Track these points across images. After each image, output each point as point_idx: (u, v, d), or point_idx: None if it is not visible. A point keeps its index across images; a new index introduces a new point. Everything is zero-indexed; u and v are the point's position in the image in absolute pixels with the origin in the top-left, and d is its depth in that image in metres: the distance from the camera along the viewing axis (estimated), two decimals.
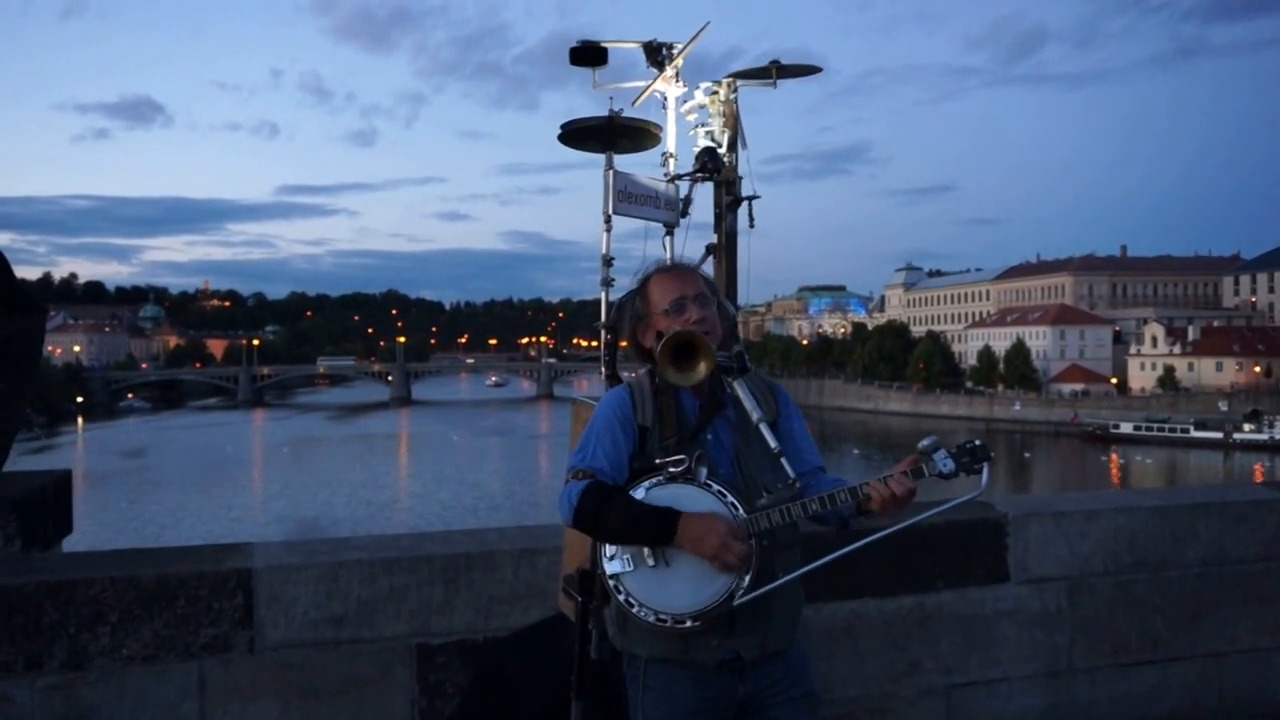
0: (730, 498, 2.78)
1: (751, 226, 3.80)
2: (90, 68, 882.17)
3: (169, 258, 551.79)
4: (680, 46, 3.90)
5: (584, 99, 3.85)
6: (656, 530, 2.72)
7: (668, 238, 3.97)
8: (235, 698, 3.77)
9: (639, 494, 2.80)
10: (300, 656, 3.86)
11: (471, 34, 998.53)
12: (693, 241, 3.95)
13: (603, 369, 3.78)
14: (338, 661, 3.90)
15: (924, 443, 2.78)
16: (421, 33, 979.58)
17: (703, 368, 2.83)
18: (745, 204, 3.81)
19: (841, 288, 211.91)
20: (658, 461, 2.84)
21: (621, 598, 2.76)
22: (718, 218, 3.84)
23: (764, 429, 2.84)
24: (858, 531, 2.91)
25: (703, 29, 3.88)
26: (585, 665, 3.20)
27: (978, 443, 2.80)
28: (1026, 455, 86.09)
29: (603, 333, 3.80)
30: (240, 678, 3.78)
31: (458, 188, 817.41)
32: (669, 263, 3.31)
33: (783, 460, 2.81)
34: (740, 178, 3.85)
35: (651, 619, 2.73)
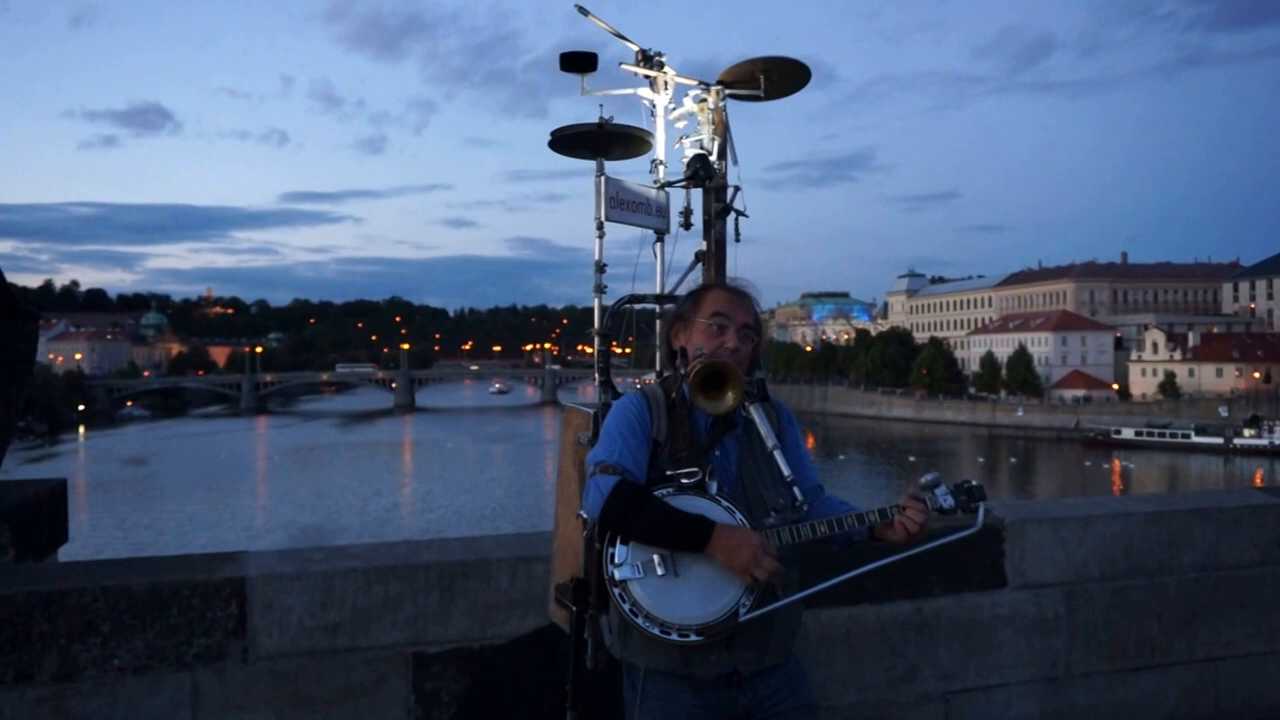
0: (739, 515, 2.79)
1: (737, 241, 3.80)
2: (100, 75, 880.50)
3: (172, 265, 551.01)
4: (666, 55, 3.91)
5: (589, 106, 3.84)
6: (690, 536, 2.72)
7: (658, 244, 3.97)
8: (229, 708, 3.76)
9: None
10: (295, 666, 3.84)
11: (483, 42, 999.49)
12: (682, 248, 3.95)
13: (596, 375, 3.78)
14: (333, 671, 3.89)
15: (925, 478, 2.85)
16: (433, 40, 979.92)
17: (730, 399, 2.85)
18: (734, 216, 3.80)
19: (845, 294, 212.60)
20: (669, 473, 2.84)
21: (626, 607, 2.75)
22: (707, 224, 3.83)
23: (778, 456, 2.85)
24: (860, 556, 2.94)
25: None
26: (580, 675, 3.19)
27: (974, 482, 2.88)
28: (1012, 460, 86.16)
29: (597, 339, 3.79)
30: (234, 688, 3.77)
31: (464, 194, 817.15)
32: (735, 283, 3.33)
33: (795, 489, 2.82)
34: (737, 188, 3.84)
35: (655, 630, 2.73)
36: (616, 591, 2.76)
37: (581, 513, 2.95)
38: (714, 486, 2.84)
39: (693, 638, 2.72)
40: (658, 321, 3.80)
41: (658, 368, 3.45)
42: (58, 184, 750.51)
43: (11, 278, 4.67)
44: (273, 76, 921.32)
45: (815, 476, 3.05)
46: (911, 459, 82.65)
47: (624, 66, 3.90)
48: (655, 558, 2.74)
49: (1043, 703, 4.77)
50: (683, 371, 2.95)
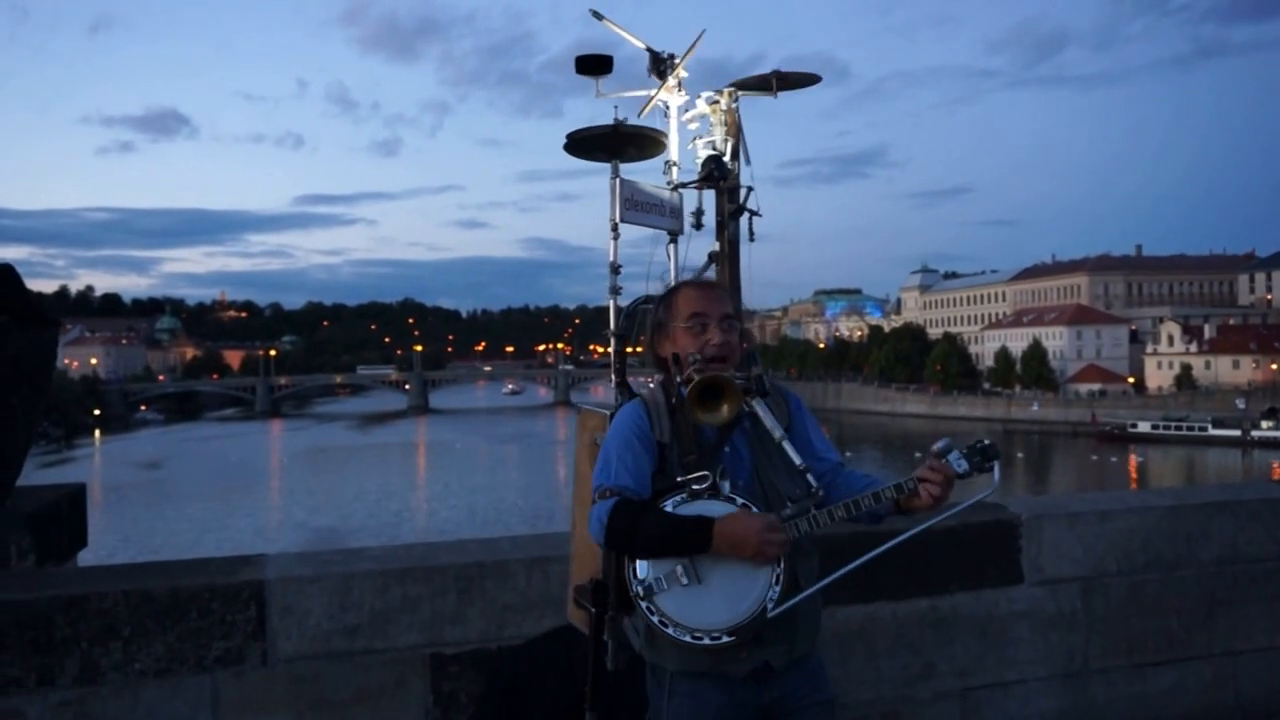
0: (755, 510, 2.80)
1: (751, 240, 3.81)
2: (117, 81, 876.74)
3: (187, 269, 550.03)
4: (680, 56, 3.92)
5: (606, 105, 3.86)
6: (693, 540, 2.73)
7: (672, 245, 3.98)
8: (249, 710, 3.78)
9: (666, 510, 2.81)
10: (313, 668, 3.86)
11: (497, 43, 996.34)
12: (695, 247, 3.96)
13: (613, 376, 3.79)
14: (351, 673, 3.90)
15: (938, 445, 2.84)
16: (447, 42, 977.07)
17: (725, 411, 2.85)
18: (747, 215, 3.81)
19: (857, 290, 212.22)
20: (679, 479, 2.85)
21: (655, 619, 2.76)
22: (720, 225, 3.84)
23: (787, 446, 2.85)
24: (877, 537, 2.93)
25: (698, 38, 3.89)
26: (600, 676, 3.20)
27: (987, 442, 2.86)
28: (1020, 455, 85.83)
29: (613, 340, 3.80)
30: (253, 690, 3.79)
31: (477, 195, 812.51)
32: (702, 278, 3.32)
33: (808, 476, 2.83)
34: (749, 188, 3.85)
35: (686, 638, 2.74)
36: (644, 605, 2.77)
37: None
38: (726, 486, 2.84)
39: (724, 639, 2.74)
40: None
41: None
42: (74, 189, 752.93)
43: (28, 283, 4.70)
44: (289, 80, 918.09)
45: (834, 455, 3.06)
46: (918, 455, 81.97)
47: (641, 93, 3.91)
48: (678, 568, 2.75)
49: (1061, 699, 4.77)
50: (679, 379, 2.95)
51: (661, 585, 2.76)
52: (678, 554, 2.75)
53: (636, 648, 2.97)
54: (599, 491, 2.84)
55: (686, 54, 3.92)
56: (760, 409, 2.91)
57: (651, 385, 3.17)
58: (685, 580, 2.75)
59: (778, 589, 2.75)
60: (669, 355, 3.05)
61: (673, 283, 3.92)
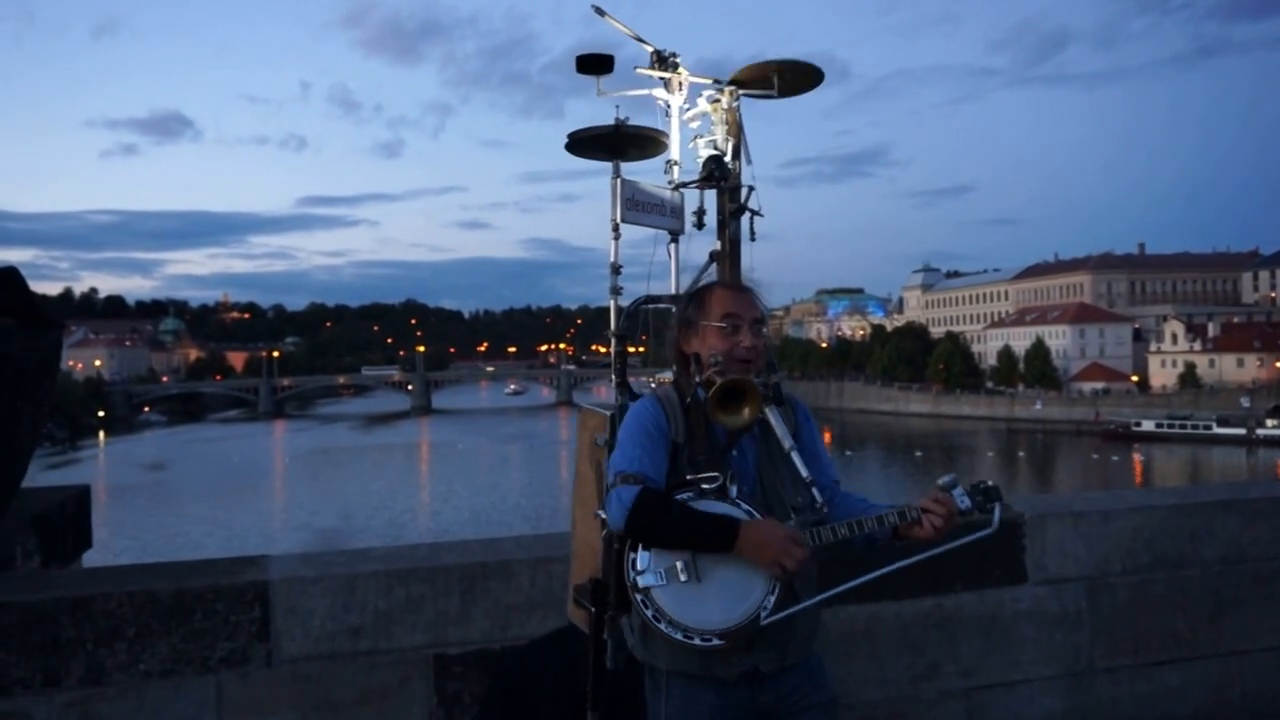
0: (757, 516, 2.80)
1: (753, 240, 3.80)
2: (122, 84, 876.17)
3: (190, 271, 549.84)
4: (680, 56, 3.91)
5: (605, 106, 3.84)
6: (717, 537, 2.72)
7: (673, 245, 3.97)
8: (253, 711, 3.78)
9: None
10: (318, 669, 3.86)
11: (499, 45, 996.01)
12: (696, 246, 3.95)
13: (613, 376, 3.79)
14: (355, 673, 3.91)
15: (943, 480, 2.86)
16: (450, 44, 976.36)
17: (747, 414, 2.84)
18: (748, 215, 3.80)
19: (860, 290, 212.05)
20: (689, 478, 2.85)
21: (649, 613, 2.76)
22: (721, 224, 3.83)
23: (795, 458, 2.85)
24: (879, 558, 2.94)
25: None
26: (600, 675, 3.20)
27: (990, 483, 2.90)
28: (1020, 454, 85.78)
29: (613, 340, 3.80)
30: (258, 691, 3.79)
31: (479, 196, 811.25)
32: (736, 279, 3.31)
33: (814, 490, 2.82)
34: (751, 188, 3.84)
35: (678, 636, 2.74)
36: (639, 598, 2.77)
37: (600, 513, 2.95)
38: (734, 490, 2.84)
39: (715, 642, 2.74)
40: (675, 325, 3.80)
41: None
42: (79, 192, 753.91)
43: (32, 286, 4.70)
44: (292, 82, 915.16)
45: (833, 473, 3.05)
46: (918, 453, 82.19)
47: (639, 71, 3.91)
48: (678, 564, 2.75)
49: (1066, 698, 4.76)
50: (698, 379, 2.96)
51: (660, 579, 2.75)
52: (697, 549, 2.74)
53: (629, 646, 2.97)
54: (620, 476, 2.81)
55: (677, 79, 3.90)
56: (773, 417, 2.91)
57: (653, 385, 3.17)
58: (684, 577, 2.75)
59: (773, 598, 2.75)
60: (691, 354, 3.04)
61: (673, 283, 3.92)
